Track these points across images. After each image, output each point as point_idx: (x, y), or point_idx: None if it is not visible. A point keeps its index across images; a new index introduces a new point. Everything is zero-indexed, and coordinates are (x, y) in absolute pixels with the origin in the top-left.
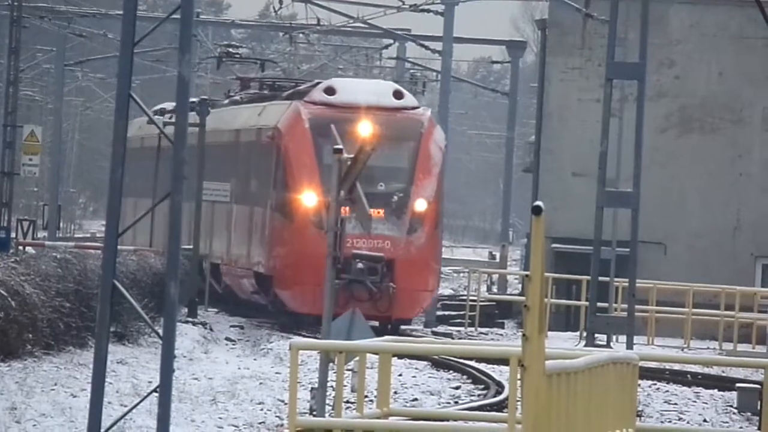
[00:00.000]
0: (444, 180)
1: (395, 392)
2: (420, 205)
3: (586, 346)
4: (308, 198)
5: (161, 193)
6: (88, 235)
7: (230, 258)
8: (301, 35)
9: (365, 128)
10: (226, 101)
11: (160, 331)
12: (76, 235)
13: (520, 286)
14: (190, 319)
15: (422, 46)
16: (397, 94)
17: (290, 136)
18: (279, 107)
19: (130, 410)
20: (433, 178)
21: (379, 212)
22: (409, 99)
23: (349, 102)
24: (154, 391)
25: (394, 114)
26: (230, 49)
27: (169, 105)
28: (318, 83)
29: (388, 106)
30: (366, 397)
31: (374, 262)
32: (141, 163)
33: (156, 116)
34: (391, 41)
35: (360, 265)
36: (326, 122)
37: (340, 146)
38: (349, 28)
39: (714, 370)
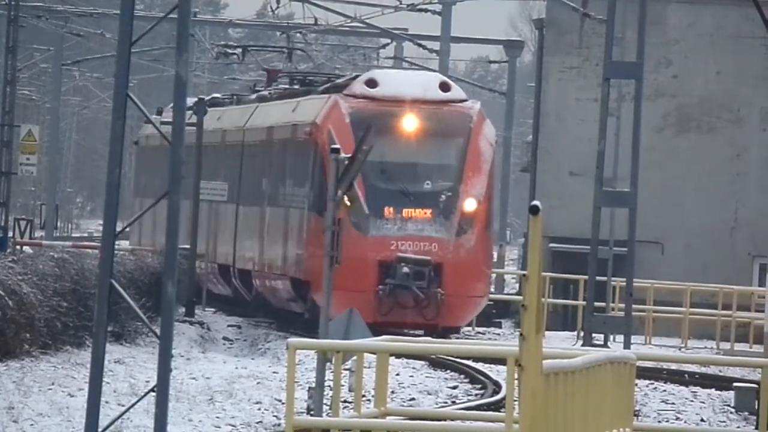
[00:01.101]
0: (495, 178)
1: (392, 392)
2: (469, 204)
3: (583, 345)
4: (349, 198)
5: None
6: (86, 235)
7: (263, 263)
8: (298, 35)
9: (410, 123)
10: (253, 96)
11: (158, 331)
12: (73, 235)
13: (517, 285)
14: (187, 319)
15: (419, 45)
16: (444, 86)
17: (330, 131)
18: (316, 102)
19: (128, 410)
20: (483, 175)
21: (425, 212)
22: (456, 91)
23: (393, 95)
24: (152, 390)
25: (441, 107)
26: (252, 42)
27: (190, 100)
28: (357, 76)
29: (434, 99)
30: (363, 396)
31: (421, 266)
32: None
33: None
34: (389, 41)
35: (405, 270)
36: (368, 117)
37: (337, 146)
38: (346, 28)
39: (711, 370)
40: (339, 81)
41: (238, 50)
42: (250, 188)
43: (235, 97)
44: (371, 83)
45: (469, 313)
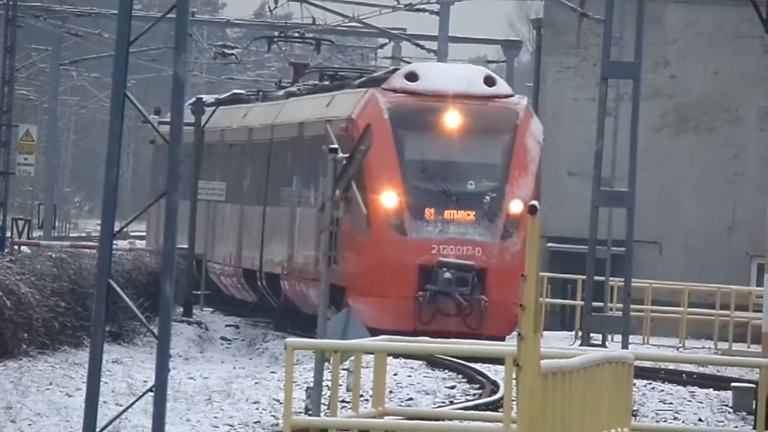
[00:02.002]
0: (542, 178)
1: (390, 392)
2: (515, 206)
3: (581, 345)
4: (387, 198)
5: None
6: (84, 235)
7: (293, 268)
8: (296, 35)
9: (453, 119)
10: (281, 92)
11: (156, 331)
12: (71, 235)
13: None
14: (185, 319)
15: (417, 45)
16: (489, 80)
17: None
18: (352, 96)
19: (126, 410)
20: (530, 175)
21: (469, 214)
22: (502, 86)
23: (434, 89)
24: (150, 390)
25: (486, 103)
26: (277, 33)
27: (207, 97)
28: (396, 69)
29: (478, 94)
30: (361, 396)
31: (464, 272)
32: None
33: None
34: (387, 41)
35: (447, 275)
36: (408, 112)
37: (335, 146)
38: (344, 28)
39: (709, 370)
40: (376, 74)
41: (236, 50)
42: (279, 188)
43: (260, 93)
44: (411, 77)
45: (515, 321)
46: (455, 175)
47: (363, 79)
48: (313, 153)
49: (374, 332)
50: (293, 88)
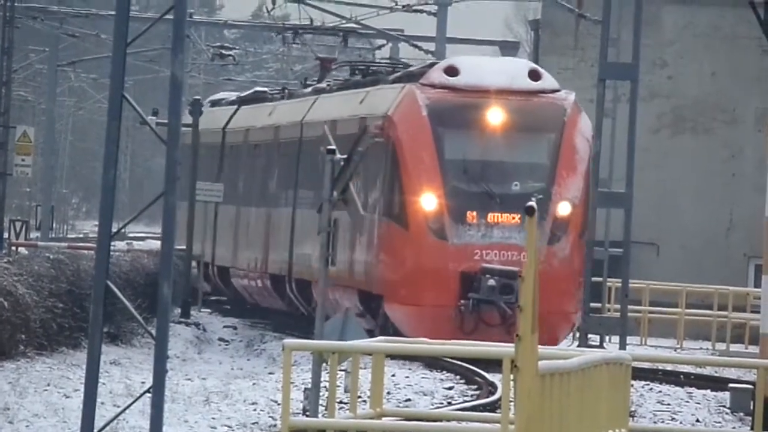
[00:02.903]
0: (591, 179)
1: (388, 392)
2: (563, 208)
3: (579, 346)
4: (427, 201)
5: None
6: (81, 236)
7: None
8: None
9: (496, 116)
10: (308, 89)
11: (153, 332)
12: (68, 236)
13: None
14: (183, 320)
15: (415, 46)
16: (534, 74)
17: (404, 125)
18: (387, 92)
19: (123, 411)
20: (579, 176)
21: (513, 218)
22: (548, 80)
23: (476, 84)
24: (147, 391)
25: (531, 98)
26: (304, 22)
27: (226, 94)
28: (434, 63)
29: (523, 89)
30: (359, 397)
31: (508, 279)
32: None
33: (213, 108)
34: (384, 42)
35: (491, 282)
36: (448, 109)
37: (333, 146)
38: (342, 29)
39: (707, 371)
40: (413, 69)
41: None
42: (310, 189)
43: (286, 90)
44: (451, 71)
45: (564, 331)
46: (499, 175)
47: (399, 74)
48: (345, 152)
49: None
50: (323, 85)
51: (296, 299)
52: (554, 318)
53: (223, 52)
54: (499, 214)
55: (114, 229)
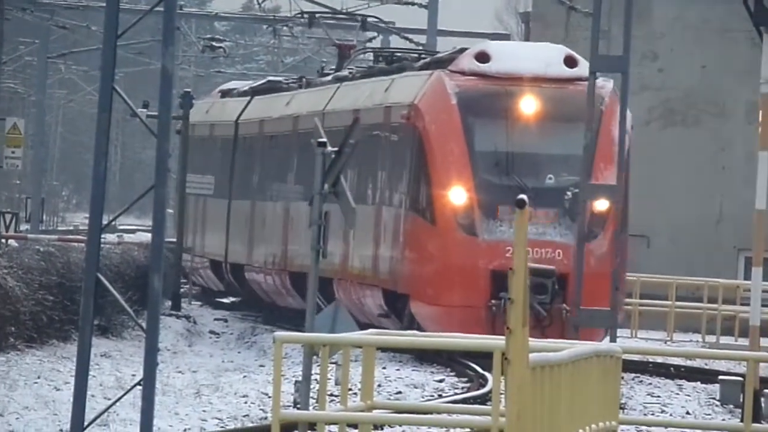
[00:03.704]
0: (631, 171)
1: (379, 385)
2: (601, 203)
3: (569, 339)
4: (456, 194)
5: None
6: (71, 228)
7: (348, 271)
8: (285, 28)
9: (529, 105)
10: (329, 77)
11: (144, 324)
12: (59, 228)
13: None
14: (173, 313)
15: (406, 39)
16: (570, 61)
17: (432, 114)
18: (414, 80)
19: (114, 403)
20: (617, 168)
21: (548, 213)
22: (584, 67)
23: (508, 71)
24: (138, 384)
25: (567, 86)
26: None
27: (237, 84)
28: (464, 49)
29: (558, 77)
30: (350, 390)
31: (543, 278)
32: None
33: (225, 98)
34: (375, 34)
35: None
36: (479, 97)
37: (324, 139)
38: (332, 21)
39: (697, 363)
40: (442, 55)
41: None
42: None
43: (304, 79)
44: (482, 57)
45: (601, 333)
46: (532, 168)
47: (426, 60)
48: (370, 143)
49: None
50: (344, 72)
51: (318, 298)
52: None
53: (214, 44)
54: (533, 209)
55: (104, 222)
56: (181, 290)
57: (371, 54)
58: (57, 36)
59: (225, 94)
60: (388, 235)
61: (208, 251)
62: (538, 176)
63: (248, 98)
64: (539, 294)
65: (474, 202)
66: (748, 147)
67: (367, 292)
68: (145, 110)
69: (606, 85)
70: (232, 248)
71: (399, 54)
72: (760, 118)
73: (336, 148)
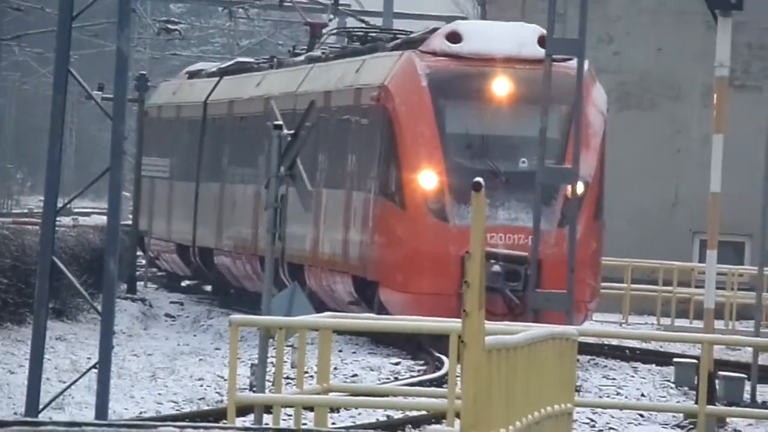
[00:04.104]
0: (606, 155)
1: (335, 368)
2: (576, 187)
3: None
4: (426, 178)
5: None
6: (26, 211)
7: (319, 257)
8: (240, 10)
9: (502, 86)
10: (301, 57)
11: (99, 308)
12: (13, 211)
13: None
14: (129, 296)
15: (362, 21)
16: (544, 41)
17: (402, 96)
18: (385, 60)
19: (69, 386)
20: (593, 151)
21: (521, 198)
22: None
23: (480, 52)
24: (93, 367)
25: (540, 67)
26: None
27: (205, 65)
28: (437, 29)
29: (532, 57)
30: (306, 373)
31: (515, 264)
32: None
33: (192, 79)
34: (332, 16)
35: (496, 268)
36: (450, 78)
37: (280, 122)
38: (288, 3)
39: (652, 345)
40: (414, 35)
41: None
42: (305, 164)
43: (275, 59)
44: (453, 37)
45: (576, 321)
46: (505, 151)
47: (398, 40)
48: (341, 126)
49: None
50: (317, 53)
51: (289, 284)
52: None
53: (169, 26)
54: (505, 194)
55: (59, 205)
56: (137, 273)
57: (344, 34)
58: (11, 18)
59: (192, 75)
60: (358, 220)
61: (175, 236)
62: (511, 160)
63: (217, 79)
64: (512, 281)
65: (445, 187)
66: (704, 130)
67: (337, 278)
68: (100, 93)
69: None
70: (201, 232)
71: (373, 34)
72: (715, 101)
73: (292, 131)
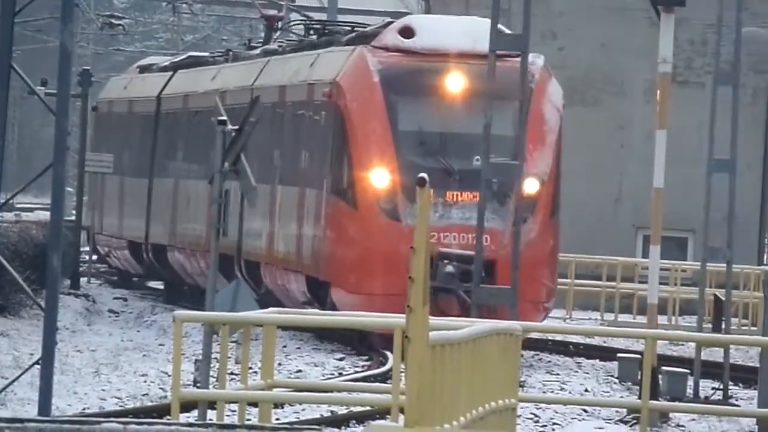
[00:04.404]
0: (562, 152)
1: (279, 364)
2: (530, 185)
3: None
4: (378, 177)
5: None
6: None
7: (274, 256)
8: (184, 5)
9: (455, 82)
10: (257, 51)
11: (42, 303)
12: None
13: None
14: (72, 291)
15: (306, 17)
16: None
17: (354, 92)
18: (339, 55)
19: (12, 382)
20: (548, 148)
21: (474, 196)
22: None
23: (434, 47)
24: (36, 363)
25: (497, 63)
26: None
27: (157, 59)
28: (391, 23)
29: (486, 53)
30: (250, 368)
31: (468, 264)
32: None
33: (144, 74)
34: (276, 11)
35: (449, 269)
36: (403, 74)
37: (224, 117)
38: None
39: (595, 341)
40: (368, 29)
41: (123, 21)
42: (257, 162)
43: (231, 53)
44: (406, 32)
45: (542, 315)
46: (458, 149)
47: (353, 34)
48: (294, 122)
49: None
50: (274, 46)
51: (246, 282)
52: (522, 308)
53: (113, 21)
54: (458, 193)
55: (2, 200)
56: (81, 269)
57: (301, 27)
58: None
59: (144, 69)
60: (311, 218)
61: (127, 232)
62: (465, 158)
63: (171, 73)
64: (466, 281)
65: (397, 185)
66: (647, 126)
67: (291, 277)
68: (43, 88)
69: (536, 61)
70: (154, 229)
71: (331, 26)
72: (658, 97)
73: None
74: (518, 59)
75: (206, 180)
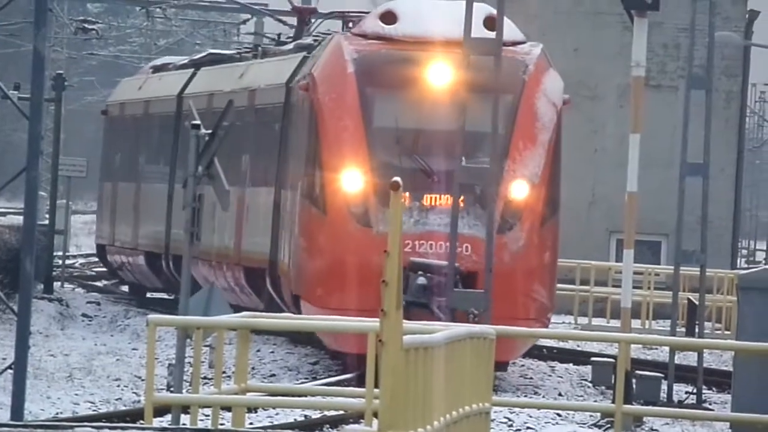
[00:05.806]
0: (560, 152)
1: (253, 368)
2: (518, 189)
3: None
4: (349, 179)
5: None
6: None
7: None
8: (158, 10)
9: (438, 74)
10: (290, 46)
11: (16, 308)
12: None
13: None
14: (45, 296)
15: (280, 21)
16: (490, 23)
17: (327, 85)
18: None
19: None
20: (540, 148)
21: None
22: (509, 30)
23: (416, 34)
24: (9, 368)
25: (486, 52)
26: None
27: (172, 58)
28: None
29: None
30: (224, 373)
31: (443, 276)
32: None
33: (160, 73)
34: (249, 16)
35: (422, 281)
36: (381, 64)
37: (198, 122)
38: (206, 3)
39: (569, 345)
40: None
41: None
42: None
43: (260, 48)
44: (388, 17)
45: (520, 343)
46: (438, 148)
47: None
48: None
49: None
50: (308, 40)
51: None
52: (507, 325)
53: (86, 26)
54: (437, 196)
55: None
56: (54, 273)
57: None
58: None
59: (158, 69)
60: (285, 224)
61: (143, 243)
62: (446, 157)
63: (191, 71)
64: (441, 296)
65: (370, 188)
66: (620, 130)
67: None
68: (16, 92)
69: (533, 50)
70: (175, 239)
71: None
72: (632, 101)
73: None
74: (512, 48)
75: (236, 185)
